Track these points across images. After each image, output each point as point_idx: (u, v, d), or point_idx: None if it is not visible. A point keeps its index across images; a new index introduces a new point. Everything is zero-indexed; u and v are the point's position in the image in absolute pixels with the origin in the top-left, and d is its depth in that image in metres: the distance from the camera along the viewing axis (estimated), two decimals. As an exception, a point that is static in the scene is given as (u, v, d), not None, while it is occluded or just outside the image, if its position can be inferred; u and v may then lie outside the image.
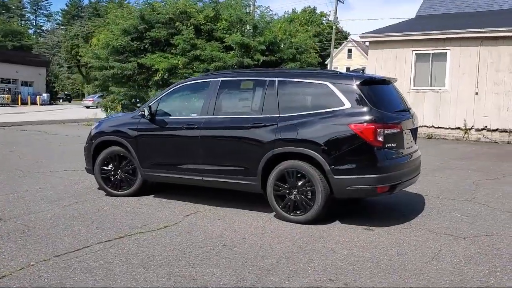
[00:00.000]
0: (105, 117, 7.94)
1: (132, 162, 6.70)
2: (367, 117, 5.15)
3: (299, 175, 5.44)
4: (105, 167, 6.85)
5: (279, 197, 5.60)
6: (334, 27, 52.37)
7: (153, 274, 3.98)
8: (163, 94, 6.62)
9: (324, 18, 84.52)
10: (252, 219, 5.68)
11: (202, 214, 5.92)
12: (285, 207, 5.54)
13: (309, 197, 5.41)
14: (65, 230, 5.15)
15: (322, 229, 5.30)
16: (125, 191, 6.81)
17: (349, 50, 78.97)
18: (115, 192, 6.83)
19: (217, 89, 6.11)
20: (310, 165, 5.36)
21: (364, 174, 5.14)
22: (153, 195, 6.87)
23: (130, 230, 5.21)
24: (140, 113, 6.61)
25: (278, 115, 5.58)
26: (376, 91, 5.42)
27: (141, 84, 23.73)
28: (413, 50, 15.93)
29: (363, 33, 16.87)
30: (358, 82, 5.34)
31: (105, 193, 6.94)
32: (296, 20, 39.19)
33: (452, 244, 4.82)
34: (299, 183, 5.44)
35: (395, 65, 16.16)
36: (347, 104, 5.27)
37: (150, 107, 6.39)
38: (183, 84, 6.64)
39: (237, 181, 5.87)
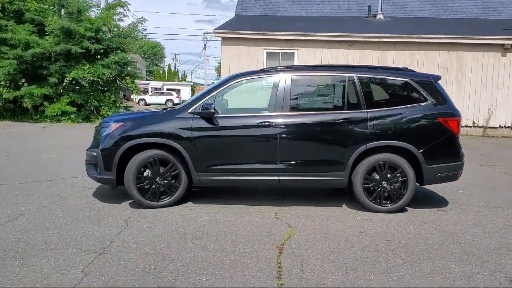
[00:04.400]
0: (116, 116, 6.45)
1: (176, 167, 5.80)
2: (451, 111, 5.88)
3: (389, 166, 5.78)
4: (140, 175, 5.74)
5: (365, 190, 5.82)
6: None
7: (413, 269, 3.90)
8: (218, 90, 5.91)
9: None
10: (340, 215, 5.73)
11: (286, 214, 5.65)
12: (375, 198, 5.81)
13: (397, 187, 5.81)
14: (220, 251, 4.34)
15: (413, 215, 5.79)
16: (165, 201, 5.85)
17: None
18: (154, 203, 5.80)
19: (290, 85, 5.86)
20: (400, 157, 5.78)
21: (451, 162, 5.85)
22: (190, 203, 6.09)
23: (275, 238, 4.70)
24: (190, 111, 5.79)
25: (366, 110, 5.78)
26: (442, 87, 6.16)
27: None
28: (264, 49, 17.10)
29: (216, 29, 17.17)
30: (434, 80, 6.01)
31: (137, 205, 5.82)
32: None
33: (515, 213, 5.99)
34: (390, 175, 5.78)
35: (248, 62, 17.04)
36: (430, 100, 5.88)
37: (211, 104, 5.68)
38: (241, 79, 6.05)
39: (323, 178, 5.81)
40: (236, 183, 6.00)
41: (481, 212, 6.01)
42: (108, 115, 19.72)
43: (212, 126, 5.73)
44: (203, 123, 5.73)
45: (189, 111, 5.81)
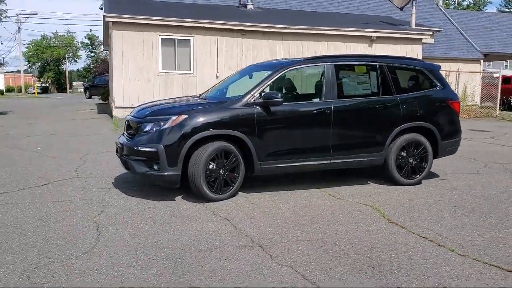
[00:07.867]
0: (173, 107, 5.84)
1: (236, 158, 5.75)
2: (454, 95, 7.02)
3: (413, 144, 6.62)
4: (207, 168, 5.56)
5: (397, 166, 6.57)
6: None
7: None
8: (273, 79, 5.98)
9: None
10: (383, 191, 6.39)
11: (341, 195, 6.09)
12: (405, 173, 6.61)
13: (419, 162, 6.69)
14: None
15: (433, 185, 6.76)
16: (230, 192, 5.78)
17: None
18: (220, 195, 5.69)
19: (334, 74, 6.24)
20: (422, 135, 6.66)
21: (456, 138, 6.97)
22: (241, 193, 6.08)
23: (370, 215, 5.15)
24: (248, 102, 5.78)
25: (397, 95, 6.50)
26: (442, 75, 7.20)
27: None
28: (159, 35, 16.52)
29: (107, 12, 15.90)
30: (437, 68, 7.03)
31: (195, 199, 5.63)
32: None
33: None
34: (414, 152, 6.63)
35: (143, 48, 16.30)
36: (439, 86, 6.89)
37: (278, 93, 5.76)
38: (290, 68, 6.18)
39: (366, 158, 6.39)
40: (294, 169, 6.18)
41: (470, 178, 7.27)
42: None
43: (273, 114, 5.81)
44: (264, 112, 5.79)
45: (250, 101, 5.78)
